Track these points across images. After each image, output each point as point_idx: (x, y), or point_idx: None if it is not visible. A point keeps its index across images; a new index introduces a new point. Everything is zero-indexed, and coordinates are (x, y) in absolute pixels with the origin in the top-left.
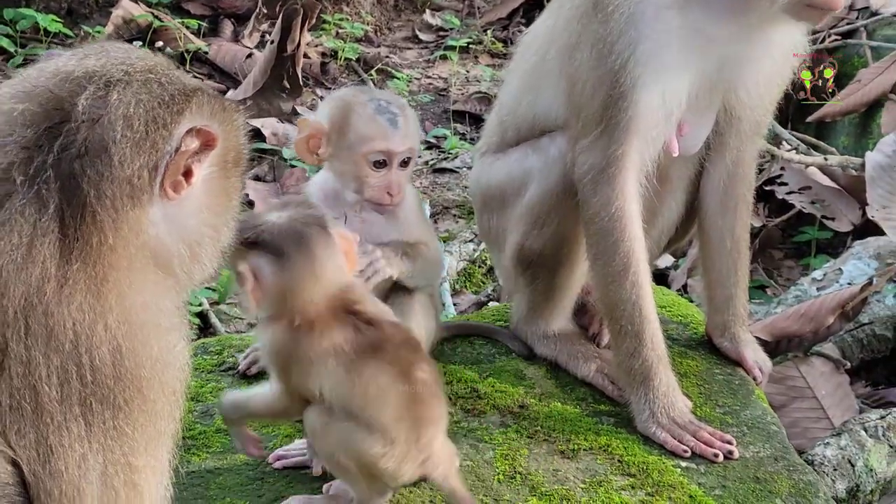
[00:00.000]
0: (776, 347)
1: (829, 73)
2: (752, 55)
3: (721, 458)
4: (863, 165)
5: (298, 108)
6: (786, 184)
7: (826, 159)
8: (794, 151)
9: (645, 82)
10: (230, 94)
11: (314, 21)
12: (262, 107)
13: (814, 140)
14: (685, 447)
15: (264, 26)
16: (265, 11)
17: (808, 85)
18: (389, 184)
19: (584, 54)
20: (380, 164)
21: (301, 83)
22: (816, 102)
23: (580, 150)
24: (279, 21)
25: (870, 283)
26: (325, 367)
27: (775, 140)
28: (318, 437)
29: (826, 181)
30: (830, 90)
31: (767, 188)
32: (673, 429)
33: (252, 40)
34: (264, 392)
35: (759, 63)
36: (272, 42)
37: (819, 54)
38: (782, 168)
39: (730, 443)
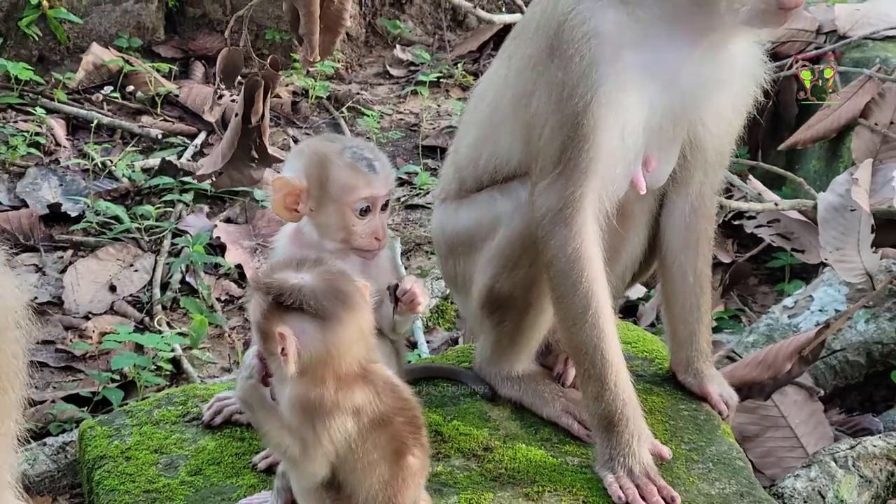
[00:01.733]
0: (738, 393)
1: (829, 73)
2: (718, 78)
3: None
4: (815, 207)
5: (270, 150)
6: (754, 217)
7: (777, 205)
8: (744, 199)
9: (607, 123)
10: (202, 169)
11: (276, 91)
12: (233, 177)
13: (780, 171)
14: (621, 495)
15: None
16: (223, 88)
17: (808, 85)
18: (376, 229)
19: (542, 100)
20: (364, 212)
21: (269, 153)
22: (817, 102)
23: (538, 192)
24: (241, 94)
25: (826, 326)
26: (345, 426)
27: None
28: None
29: (794, 214)
30: (830, 90)
31: (736, 222)
32: (622, 478)
33: (214, 115)
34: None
35: (724, 88)
36: (236, 115)
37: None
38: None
39: (671, 501)
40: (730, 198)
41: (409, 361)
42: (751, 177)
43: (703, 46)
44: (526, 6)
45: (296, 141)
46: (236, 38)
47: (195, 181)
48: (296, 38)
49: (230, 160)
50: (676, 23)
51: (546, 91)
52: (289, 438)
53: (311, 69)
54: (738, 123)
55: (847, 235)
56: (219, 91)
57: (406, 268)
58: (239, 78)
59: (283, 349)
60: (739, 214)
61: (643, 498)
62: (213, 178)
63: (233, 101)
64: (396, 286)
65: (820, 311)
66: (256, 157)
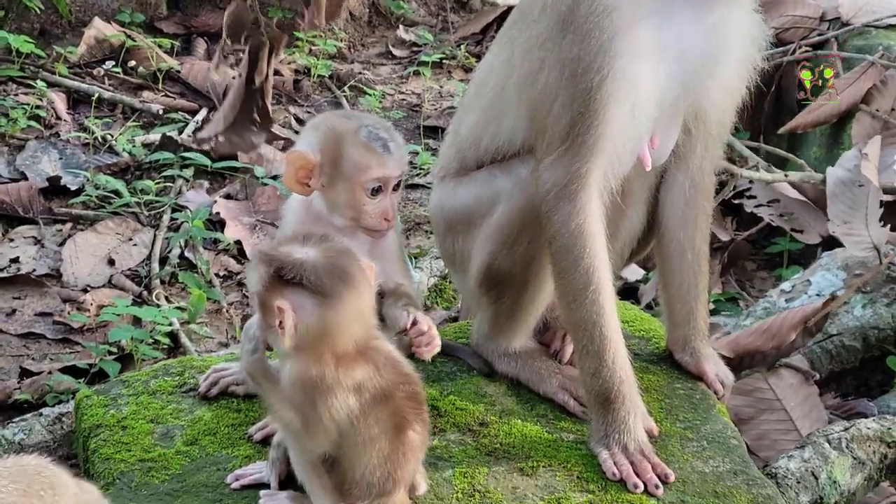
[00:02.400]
0: (739, 364)
1: (829, 73)
2: (724, 47)
3: (640, 489)
4: (824, 181)
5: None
6: (754, 196)
7: (787, 176)
8: (755, 168)
9: (619, 98)
10: (203, 132)
11: (280, 52)
12: (233, 141)
13: (783, 153)
14: (616, 471)
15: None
16: (229, 44)
17: (807, 85)
18: (385, 209)
19: (552, 77)
20: (376, 191)
21: (271, 116)
22: (817, 103)
23: (543, 168)
24: (246, 55)
25: (832, 298)
26: (347, 403)
27: (736, 157)
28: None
29: (794, 194)
30: (830, 90)
31: (736, 201)
32: (616, 454)
33: (220, 72)
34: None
35: (730, 57)
36: (240, 76)
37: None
38: (750, 181)
39: (665, 478)
40: (741, 167)
41: None
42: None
43: (711, 15)
44: None
45: (297, 119)
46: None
47: (195, 147)
48: (303, 1)
49: (232, 123)
50: None
51: (557, 68)
52: (291, 412)
53: (313, 48)
54: (741, 93)
55: (855, 210)
56: (225, 49)
57: (406, 246)
58: (244, 41)
59: (280, 322)
60: (739, 194)
61: (637, 474)
62: (214, 143)
63: (237, 75)
64: (411, 322)
65: (818, 295)
66: (258, 120)
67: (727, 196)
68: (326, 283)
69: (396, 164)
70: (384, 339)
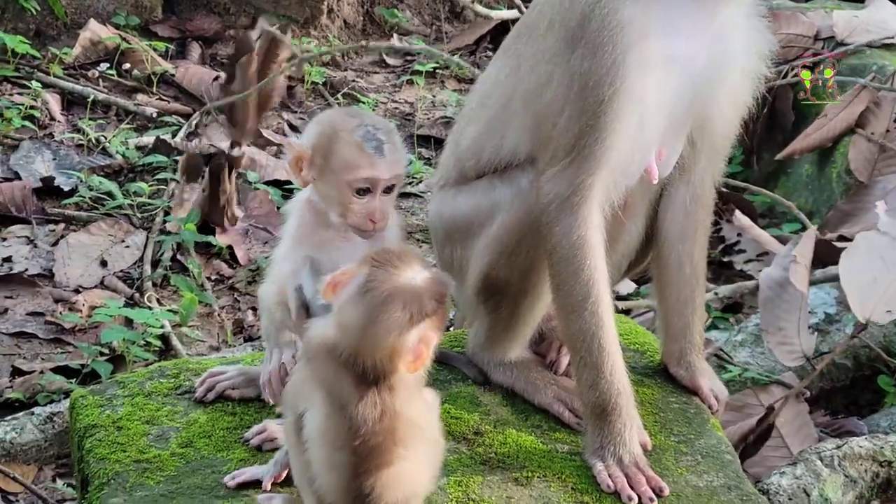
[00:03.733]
0: None
1: (829, 73)
2: (730, 56)
3: (634, 502)
4: (756, 288)
5: (265, 133)
6: (744, 251)
7: (716, 294)
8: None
9: (628, 112)
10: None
11: (237, 171)
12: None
13: (769, 196)
14: (610, 483)
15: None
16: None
17: (807, 85)
18: (373, 211)
19: (559, 91)
20: (363, 192)
21: (238, 219)
22: (817, 102)
23: (546, 179)
24: (206, 175)
25: (772, 409)
26: None
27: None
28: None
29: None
30: (830, 90)
31: (725, 259)
32: (611, 467)
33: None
34: None
35: (736, 66)
36: (203, 191)
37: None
38: (739, 234)
39: (660, 491)
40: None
41: None
42: (737, 212)
43: (716, 26)
44: (525, 4)
45: (291, 125)
46: (233, 20)
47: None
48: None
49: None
50: (692, 3)
51: (566, 82)
52: None
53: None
54: (747, 104)
55: (789, 314)
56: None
57: None
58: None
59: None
60: (727, 249)
61: (632, 487)
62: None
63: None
64: None
65: (810, 312)
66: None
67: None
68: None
69: (388, 168)
70: None
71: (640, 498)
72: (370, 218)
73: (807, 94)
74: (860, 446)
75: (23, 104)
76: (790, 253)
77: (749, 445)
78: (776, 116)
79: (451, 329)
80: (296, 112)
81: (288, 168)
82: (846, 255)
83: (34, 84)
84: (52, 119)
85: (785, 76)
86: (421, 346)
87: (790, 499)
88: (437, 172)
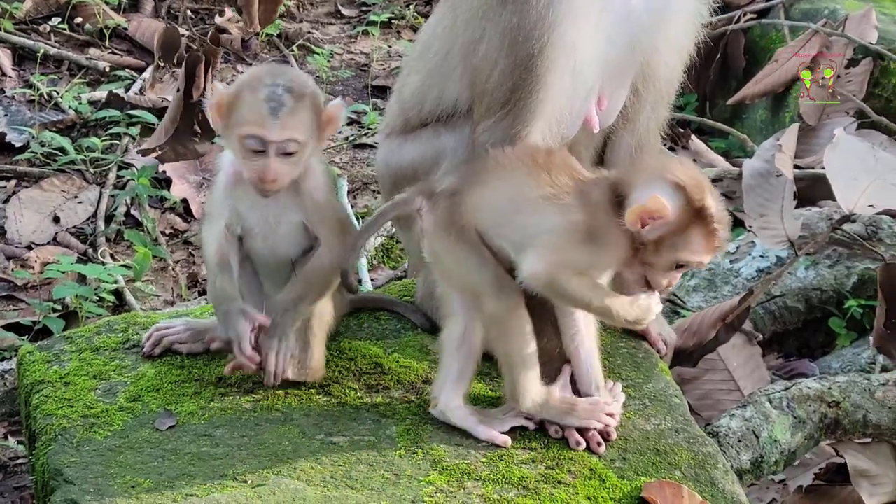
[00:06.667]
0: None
1: (829, 73)
2: (672, 2)
3: (582, 446)
4: (741, 175)
5: (219, 85)
6: None
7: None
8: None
9: (560, 64)
10: (145, 143)
11: (217, 65)
12: (177, 151)
13: (724, 128)
14: (558, 427)
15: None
16: (162, 65)
17: (808, 84)
18: (263, 170)
19: (492, 45)
20: (256, 151)
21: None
22: (817, 102)
23: (482, 130)
24: (183, 70)
25: (750, 293)
26: None
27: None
28: None
29: (736, 171)
30: (830, 90)
31: None
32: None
33: (155, 90)
34: None
35: (678, 12)
36: (178, 91)
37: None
38: (694, 159)
39: (607, 436)
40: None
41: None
42: (693, 137)
43: None
44: None
45: None
46: None
47: (142, 104)
48: (235, 9)
49: (174, 134)
50: None
51: (497, 36)
52: None
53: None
54: (689, 50)
55: (771, 202)
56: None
57: (353, 206)
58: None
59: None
60: None
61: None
62: (158, 152)
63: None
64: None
65: (761, 256)
66: (199, 131)
67: None
68: None
69: (278, 131)
70: None
71: (587, 442)
72: (260, 177)
73: (807, 93)
74: (808, 388)
75: None
76: (774, 144)
77: (727, 326)
78: (728, 62)
79: (402, 279)
80: (251, 65)
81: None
82: (830, 148)
83: None
84: (3, 74)
85: (737, 21)
86: None
87: (740, 440)
88: (383, 121)
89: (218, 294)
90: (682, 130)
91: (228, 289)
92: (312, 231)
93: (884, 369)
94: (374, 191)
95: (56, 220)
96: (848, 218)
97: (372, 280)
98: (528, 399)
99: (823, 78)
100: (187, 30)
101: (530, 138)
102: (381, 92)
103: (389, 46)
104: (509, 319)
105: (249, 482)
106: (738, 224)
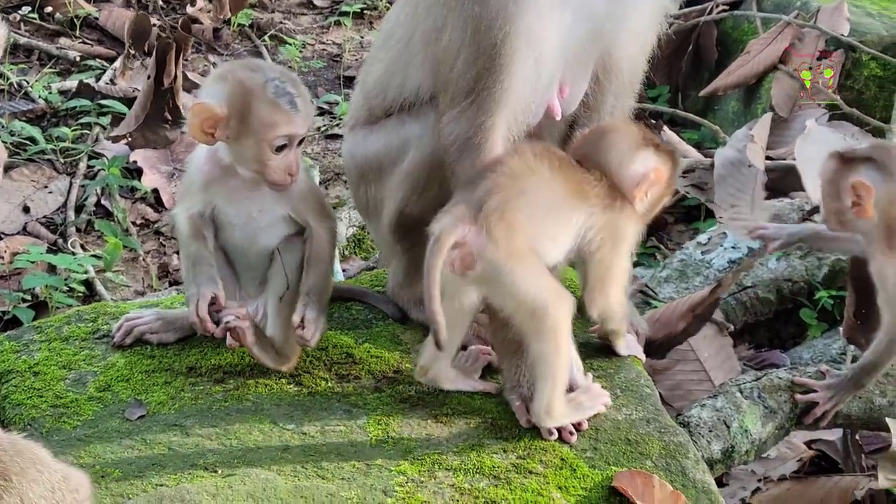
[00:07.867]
0: None
1: (829, 73)
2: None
3: (554, 436)
4: (713, 165)
5: (190, 75)
6: None
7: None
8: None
9: (522, 54)
10: (115, 130)
11: (187, 53)
12: (147, 138)
13: (696, 119)
14: (529, 418)
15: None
16: (133, 52)
17: (807, 84)
18: (290, 164)
19: (455, 34)
20: (281, 148)
21: (183, 114)
22: (816, 102)
23: (447, 120)
24: (153, 57)
25: (718, 285)
26: None
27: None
28: None
29: (708, 162)
30: (830, 90)
31: None
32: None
33: (126, 79)
34: None
35: (639, 5)
36: (149, 77)
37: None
38: None
39: (578, 425)
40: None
41: None
42: (665, 128)
43: None
44: None
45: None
46: None
47: (112, 94)
48: None
49: (144, 121)
50: None
51: (460, 26)
52: None
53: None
54: (651, 42)
55: (742, 192)
56: (129, 53)
57: (325, 196)
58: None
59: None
60: None
61: None
62: (129, 139)
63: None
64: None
65: (733, 248)
66: (170, 118)
67: None
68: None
69: (303, 121)
70: None
71: (559, 432)
72: (288, 171)
73: (807, 93)
74: (779, 378)
75: None
76: (746, 134)
77: (697, 317)
78: (701, 54)
79: (373, 269)
80: (222, 55)
81: (192, 131)
82: (801, 139)
83: None
84: None
85: (710, 13)
86: None
87: (710, 430)
88: (348, 111)
89: (193, 257)
90: (654, 121)
91: (204, 252)
92: (300, 220)
93: (854, 360)
94: (345, 181)
95: (26, 209)
96: (817, 209)
97: (343, 271)
98: (556, 419)
99: (824, 78)
100: (158, 19)
101: (496, 128)
102: (353, 82)
103: (362, 37)
104: (566, 328)
105: (220, 472)
106: (709, 215)
